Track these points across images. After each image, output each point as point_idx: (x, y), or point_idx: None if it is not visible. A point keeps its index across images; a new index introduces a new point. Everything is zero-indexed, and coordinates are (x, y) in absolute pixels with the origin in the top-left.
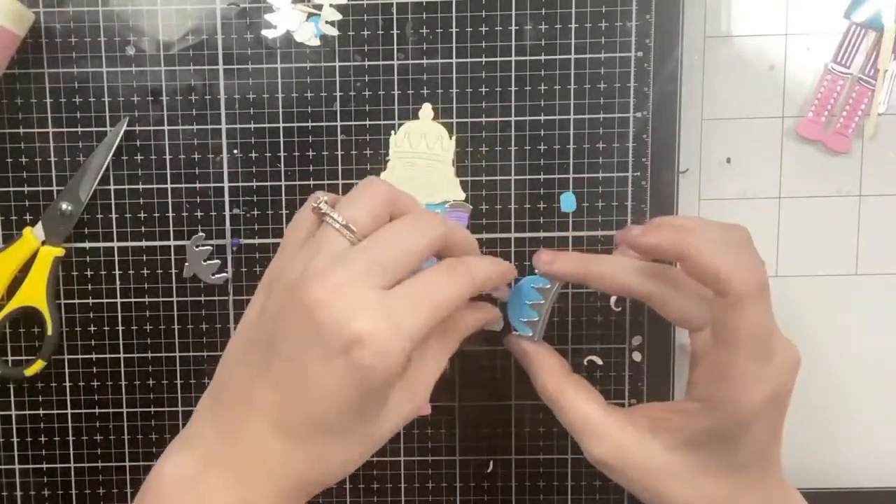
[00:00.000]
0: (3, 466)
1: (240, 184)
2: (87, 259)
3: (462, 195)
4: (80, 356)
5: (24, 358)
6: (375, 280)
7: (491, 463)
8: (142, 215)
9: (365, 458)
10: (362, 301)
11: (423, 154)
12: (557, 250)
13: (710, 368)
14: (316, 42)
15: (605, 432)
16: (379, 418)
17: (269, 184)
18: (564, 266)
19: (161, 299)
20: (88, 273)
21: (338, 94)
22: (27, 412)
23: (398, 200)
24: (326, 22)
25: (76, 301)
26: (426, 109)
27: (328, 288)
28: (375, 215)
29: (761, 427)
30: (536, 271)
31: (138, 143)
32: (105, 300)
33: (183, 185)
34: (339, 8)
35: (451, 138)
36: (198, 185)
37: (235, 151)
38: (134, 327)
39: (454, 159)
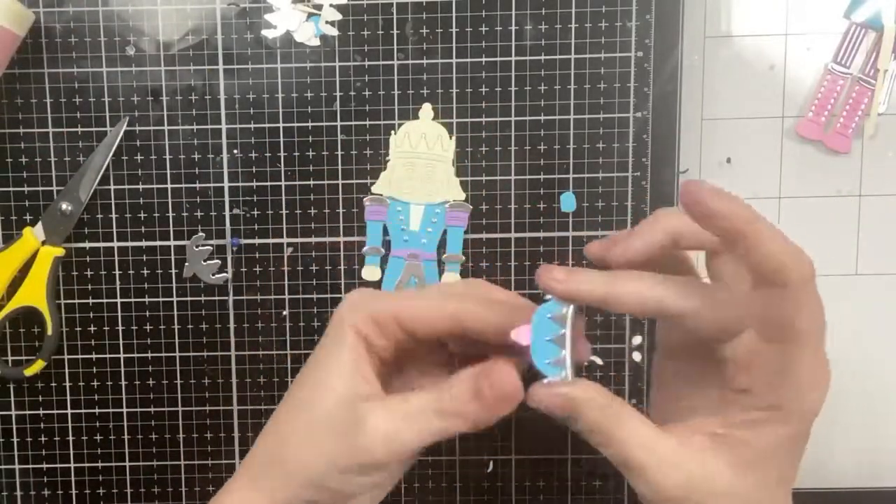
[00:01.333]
0: (3, 466)
1: (240, 184)
2: (87, 259)
3: (462, 195)
4: (80, 356)
5: (24, 358)
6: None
7: (491, 463)
8: (142, 215)
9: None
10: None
11: (423, 154)
12: (564, 266)
13: (768, 372)
14: (316, 42)
15: (672, 459)
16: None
17: (269, 184)
18: (581, 285)
19: (161, 299)
20: (88, 273)
21: (338, 94)
22: (27, 412)
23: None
24: (326, 22)
25: (76, 301)
26: (426, 109)
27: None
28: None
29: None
30: (547, 296)
31: (138, 143)
32: (105, 300)
33: (183, 185)
34: (339, 8)
35: (451, 138)
36: (198, 185)
37: (235, 151)
38: (134, 327)
39: (454, 159)
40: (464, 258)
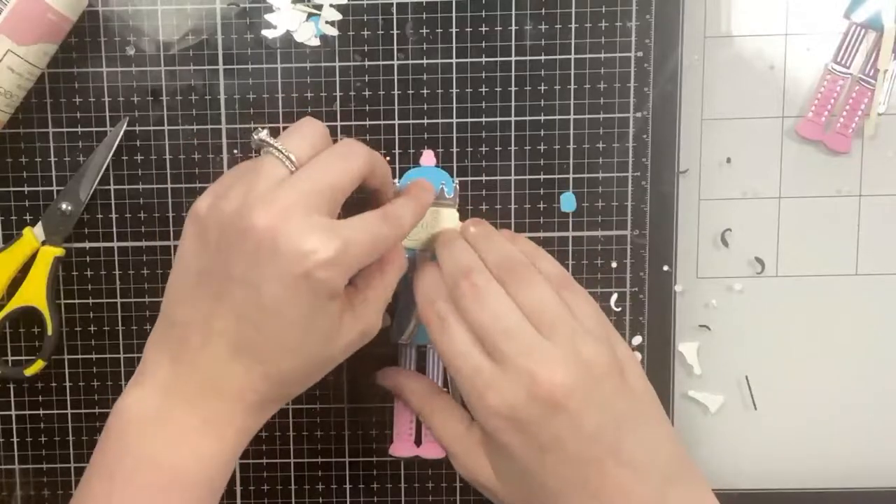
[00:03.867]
0: (3, 466)
1: None
2: (87, 259)
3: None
4: (80, 356)
5: (24, 358)
6: (318, 205)
7: None
8: (142, 215)
9: (318, 378)
10: (311, 223)
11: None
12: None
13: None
14: (316, 42)
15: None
16: (332, 340)
17: None
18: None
19: (161, 299)
20: (88, 273)
21: (338, 94)
22: (27, 412)
23: (330, 136)
24: (326, 22)
25: (76, 301)
26: (428, 156)
27: (275, 212)
28: (314, 146)
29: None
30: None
31: (138, 143)
32: (105, 300)
33: (183, 185)
34: (339, 8)
35: (454, 183)
36: (198, 185)
37: (235, 151)
38: (134, 327)
39: (458, 203)
40: None
